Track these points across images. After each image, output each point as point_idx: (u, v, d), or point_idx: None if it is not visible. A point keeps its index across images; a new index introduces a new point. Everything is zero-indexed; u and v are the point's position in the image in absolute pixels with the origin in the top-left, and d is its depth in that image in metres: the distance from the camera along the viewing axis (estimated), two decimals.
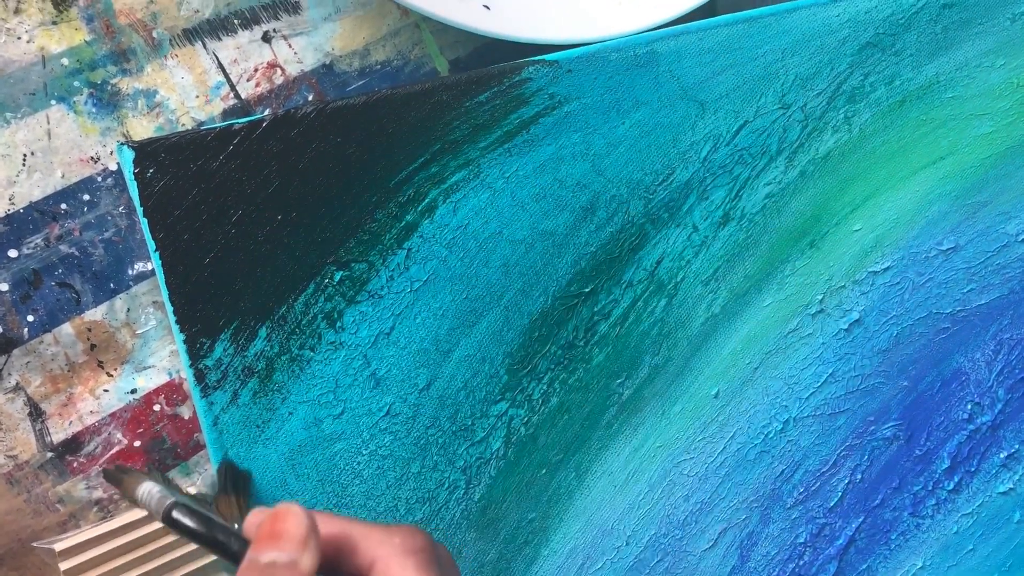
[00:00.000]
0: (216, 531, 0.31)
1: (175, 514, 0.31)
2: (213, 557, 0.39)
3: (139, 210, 0.36)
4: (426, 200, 0.40)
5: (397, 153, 0.40)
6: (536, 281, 0.43)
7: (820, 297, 0.47)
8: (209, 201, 0.37)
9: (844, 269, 0.48)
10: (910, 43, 0.48)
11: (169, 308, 0.37)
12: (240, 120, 0.38)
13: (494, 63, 0.42)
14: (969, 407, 0.51)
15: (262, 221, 0.38)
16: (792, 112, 0.46)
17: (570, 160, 0.43)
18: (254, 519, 0.30)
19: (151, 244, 0.37)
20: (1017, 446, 0.51)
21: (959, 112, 0.49)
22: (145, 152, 0.36)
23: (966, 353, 0.50)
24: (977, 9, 0.49)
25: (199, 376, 0.37)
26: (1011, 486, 0.51)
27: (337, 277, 0.39)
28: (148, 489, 0.32)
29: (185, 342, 0.37)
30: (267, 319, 0.38)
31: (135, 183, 0.36)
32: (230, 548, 0.30)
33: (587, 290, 0.43)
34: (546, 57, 0.42)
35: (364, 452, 0.40)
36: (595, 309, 0.44)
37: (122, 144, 0.36)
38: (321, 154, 0.39)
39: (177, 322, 0.37)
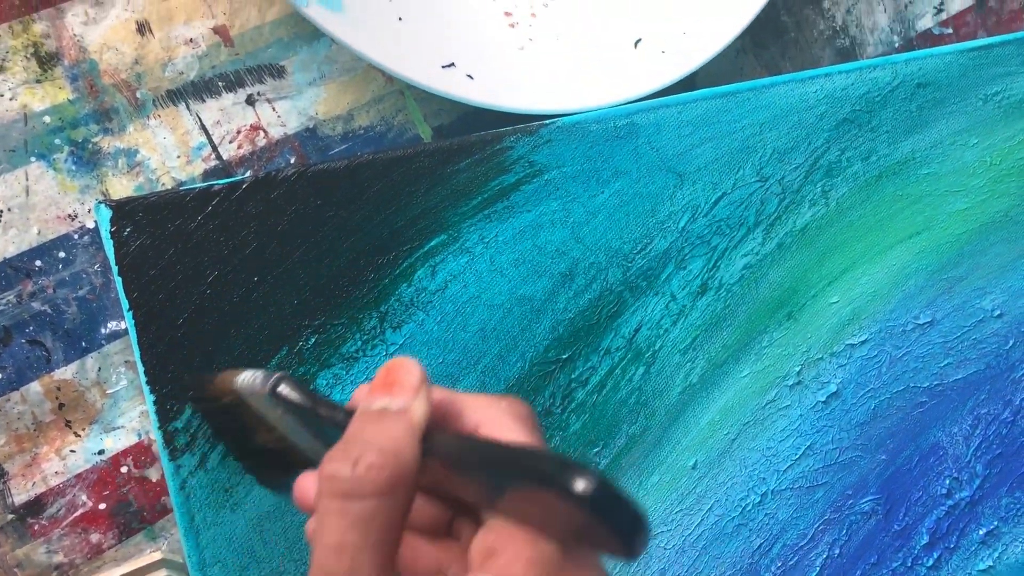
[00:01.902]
0: (321, 404, 0.30)
1: (282, 388, 0.30)
2: None
3: (114, 269, 0.36)
4: (404, 263, 0.40)
5: (376, 217, 0.40)
6: (513, 346, 0.42)
7: (798, 369, 0.47)
8: (185, 261, 0.37)
9: (822, 341, 0.48)
10: (886, 120, 0.49)
11: (140, 368, 0.37)
12: (220, 181, 0.38)
13: (477, 131, 0.43)
14: (947, 482, 0.50)
15: (238, 282, 0.38)
16: (770, 185, 0.47)
17: (549, 227, 0.43)
18: (359, 393, 0.29)
19: (125, 303, 0.36)
20: (996, 523, 0.51)
21: (934, 188, 0.50)
22: (123, 211, 0.36)
23: (944, 427, 0.50)
24: (950, 89, 0.50)
25: (168, 439, 0.37)
26: (991, 564, 0.50)
27: (312, 340, 0.39)
28: (250, 374, 0.32)
29: (155, 403, 0.37)
30: None
31: (111, 242, 0.36)
32: (335, 419, 0.29)
33: (564, 356, 0.43)
34: (528, 126, 0.42)
35: None
36: (572, 376, 0.43)
37: (100, 203, 0.36)
38: (300, 217, 0.39)
39: (148, 383, 0.37)
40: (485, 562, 0.23)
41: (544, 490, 0.22)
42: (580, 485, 0.22)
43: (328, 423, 0.29)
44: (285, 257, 0.38)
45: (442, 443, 0.25)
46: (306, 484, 0.28)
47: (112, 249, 0.36)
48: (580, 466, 0.22)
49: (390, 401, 0.26)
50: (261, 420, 0.33)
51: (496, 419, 0.27)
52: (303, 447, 0.32)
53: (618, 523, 0.22)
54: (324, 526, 0.23)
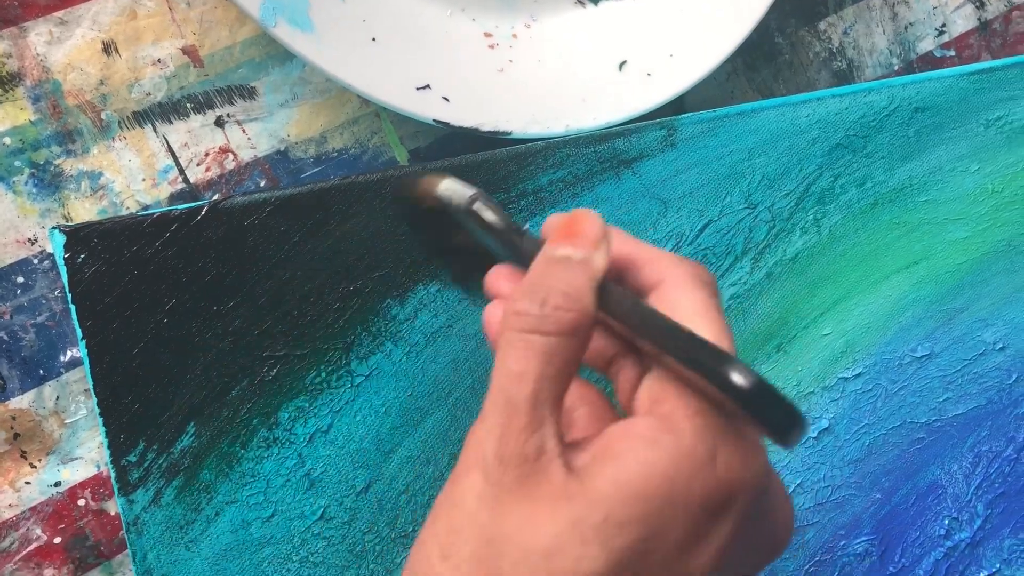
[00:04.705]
0: (512, 227, 0.32)
1: (477, 206, 0.32)
2: None
3: (68, 296, 0.35)
4: (372, 291, 0.39)
5: (344, 244, 0.38)
6: (487, 378, 0.41)
7: None
8: (141, 289, 0.36)
9: (813, 374, 0.46)
10: (882, 145, 0.47)
11: (94, 399, 0.35)
12: (180, 206, 0.37)
13: (455, 153, 0.41)
14: (946, 522, 0.48)
15: (196, 311, 0.36)
16: (759, 212, 0.45)
17: None
18: (551, 221, 0.31)
19: (78, 332, 0.35)
20: (999, 565, 0.48)
21: (933, 216, 0.48)
22: (77, 237, 0.35)
23: (942, 465, 0.48)
24: (950, 114, 0.48)
25: (121, 473, 0.35)
26: None
27: (274, 372, 0.37)
28: (450, 185, 0.34)
29: (107, 435, 0.35)
30: (197, 414, 0.36)
31: (65, 268, 0.35)
32: (520, 246, 0.31)
33: None
34: (505, 150, 0.41)
35: (295, 559, 0.37)
36: None
37: (54, 228, 0.35)
38: (263, 243, 0.37)
39: (101, 414, 0.35)
40: (652, 408, 0.26)
41: (702, 377, 0.24)
42: (736, 379, 0.24)
43: (516, 247, 0.31)
44: (246, 285, 0.37)
45: (616, 299, 0.27)
46: (497, 281, 0.32)
47: (66, 276, 0.35)
48: (737, 362, 0.24)
49: (573, 251, 0.27)
50: (458, 225, 0.35)
51: (680, 280, 0.28)
52: (495, 251, 0.34)
53: (772, 418, 0.24)
54: (509, 356, 0.26)
